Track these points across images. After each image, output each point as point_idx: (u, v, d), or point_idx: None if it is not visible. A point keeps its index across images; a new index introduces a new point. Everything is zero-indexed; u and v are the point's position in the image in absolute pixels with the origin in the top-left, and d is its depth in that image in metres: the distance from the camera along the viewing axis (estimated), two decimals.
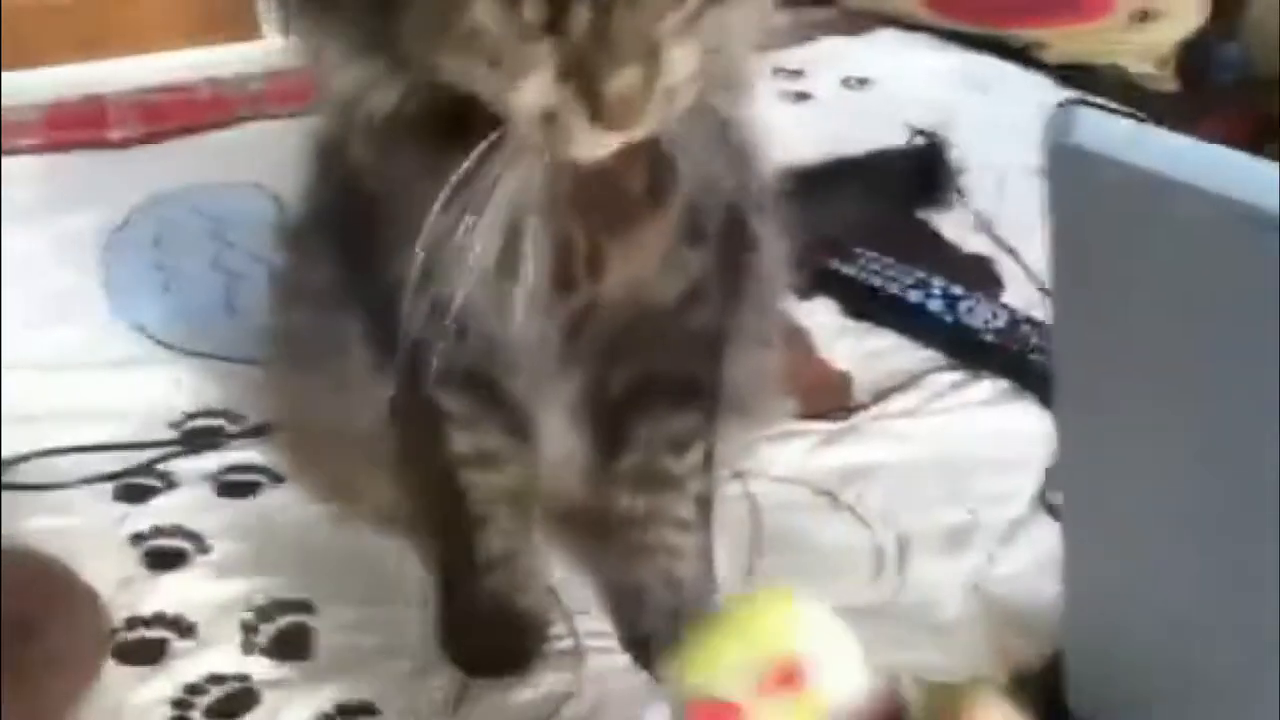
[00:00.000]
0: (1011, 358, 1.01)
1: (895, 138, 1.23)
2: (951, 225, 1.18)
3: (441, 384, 0.76)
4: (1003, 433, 0.95)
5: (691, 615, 0.77)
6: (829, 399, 0.98)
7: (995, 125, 1.25)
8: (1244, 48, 1.34)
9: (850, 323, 1.07)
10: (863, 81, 1.44)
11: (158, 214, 1.19)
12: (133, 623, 0.81)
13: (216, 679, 0.78)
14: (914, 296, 1.07)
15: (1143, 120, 1.26)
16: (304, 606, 0.82)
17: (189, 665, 0.78)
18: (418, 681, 0.78)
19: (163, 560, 0.85)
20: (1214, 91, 1.32)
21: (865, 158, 1.19)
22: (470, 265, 0.65)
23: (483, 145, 0.60)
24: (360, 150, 0.66)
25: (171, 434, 0.95)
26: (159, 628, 0.81)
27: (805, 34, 1.48)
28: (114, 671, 0.77)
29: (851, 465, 0.93)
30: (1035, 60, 1.42)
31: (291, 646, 0.80)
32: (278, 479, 0.91)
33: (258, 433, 0.94)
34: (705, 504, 0.82)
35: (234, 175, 1.20)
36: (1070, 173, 0.52)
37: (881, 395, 1.00)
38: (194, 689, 0.77)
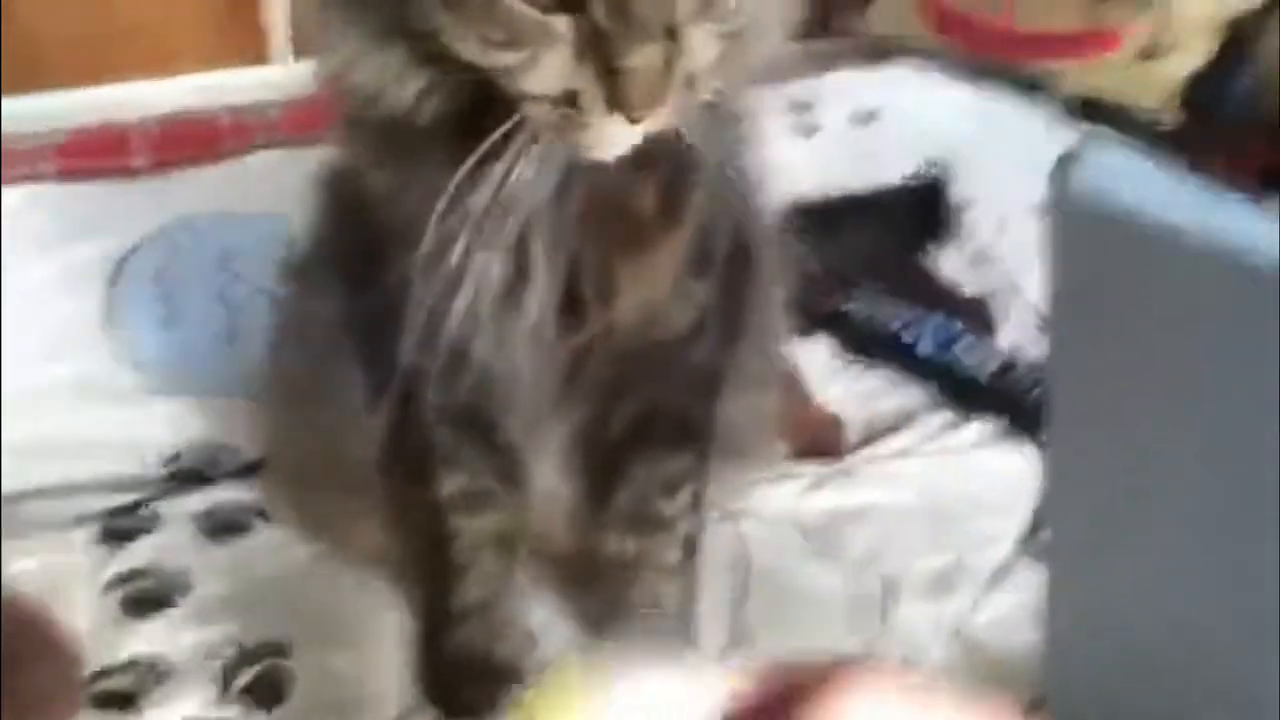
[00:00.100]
0: (1005, 399, 1.01)
1: (901, 172, 1.23)
2: (950, 262, 1.18)
3: (435, 418, 0.76)
4: (992, 475, 0.95)
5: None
6: (821, 443, 0.99)
7: (1002, 160, 1.25)
8: (1252, 85, 1.33)
9: (845, 363, 1.07)
10: (871, 114, 1.44)
11: (167, 244, 1.18)
12: (109, 669, 0.81)
13: None
14: (909, 335, 1.07)
15: (1150, 156, 1.27)
16: (283, 650, 0.82)
17: (163, 713, 0.79)
18: None
19: (143, 604, 0.86)
20: (1221, 129, 1.32)
21: (866, 194, 1.19)
22: (471, 280, 0.64)
23: (492, 137, 0.59)
24: (373, 155, 0.67)
25: (162, 471, 0.95)
26: (135, 674, 0.81)
27: (818, 66, 1.49)
28: (89, 718, 0.78)
29: (841, 508, 0.93)
30: (1045, 94, 1.42)
31: (269, 691, 0.80)
32: (268, 518, 0.91)
33: (249, 470, 0.94)
34: (691, 547, 0.82)
35: (248, 204, 1.21)
36: (1073, 215, 0.51)
37: (874, 435, 1.00)
38: None
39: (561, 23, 0.56)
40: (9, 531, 0.87)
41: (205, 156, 1.33)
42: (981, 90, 1.45)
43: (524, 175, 0.60)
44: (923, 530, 0.91)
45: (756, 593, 0.87)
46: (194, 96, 1.43)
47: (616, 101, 0.56)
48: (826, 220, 1.11)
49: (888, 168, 1.24)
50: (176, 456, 0.96)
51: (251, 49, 1.44)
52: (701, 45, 0.58)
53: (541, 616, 0.85)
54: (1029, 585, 0.83)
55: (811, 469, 0.97)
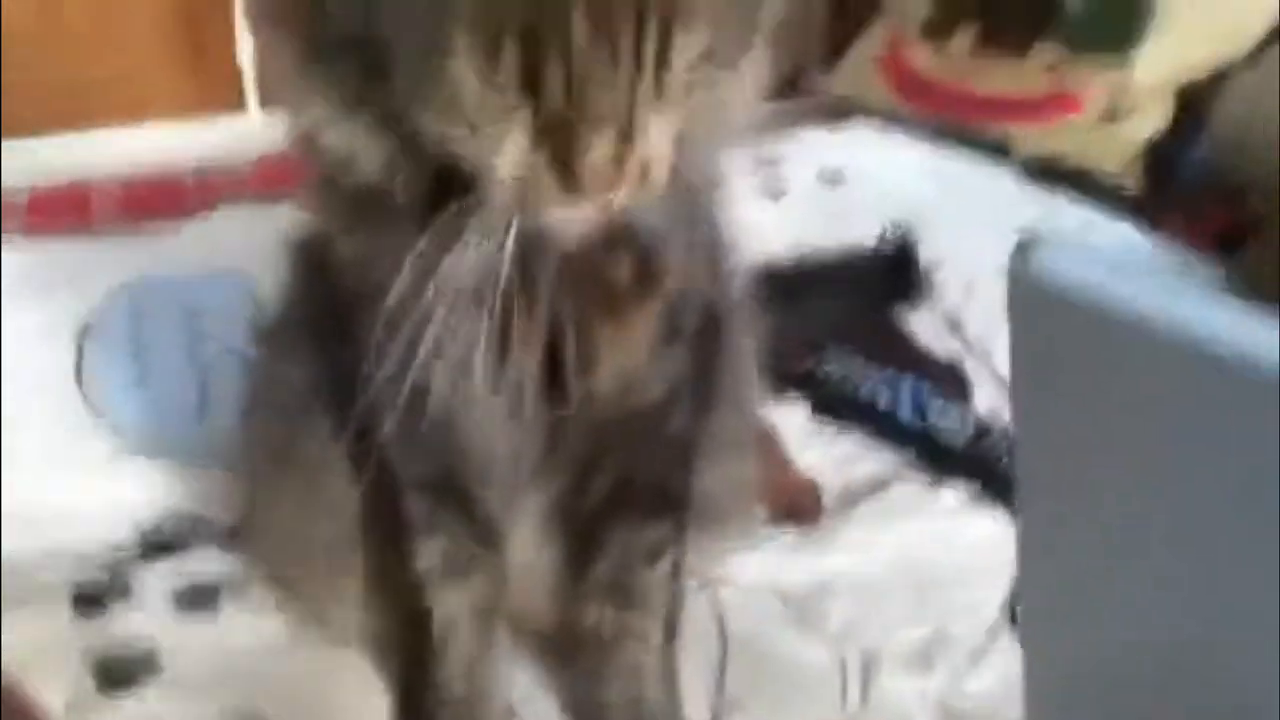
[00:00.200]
0: (980, 465, 1.02)
1: (869, 233, 1.24)
2: (922, 325, 1.19)
3: (411, 490, 0.76)
4: (970, 542, 0.96)
5: None
6: (799, 508, 0.99)
7: (965, 222, 1.26)
8: (1208, 151, 1.36)
9: (820, 425, 1.08)
10: (837, 174, 1.46)
11: (134, 305, 1.17)
12: None
13: None
14: (884, 399, 1.08)
15: (1112, 221, 1.29)
16: None
17: None
18: None
19: (116, 678, 0.84)
20: (1179, 195, 1.34)
21: (836, 256, 1.21)
22: (444, 352, 0.64)
23: (451, 209, 0.60)
24: (343, 221, 0.67)
25: (138, 541, 0.94)
26: None
27: (784, 123, 1.50)
28: None
29: (819, 576, 0.93)
30: (1006, 157, 1.44)
31: None
32: (241, 590, 0.90)
33: (226, 540, 0.93)
34: (672, 619, 0.82)
35: (214, 263, 1.20)
36: (1032, 299, 0.52)
37: (850, 501, 1.01)
38: None
39: (519, 109, 0.57)
40: None
41: (171, 212, 1.32)
42: (943, 152, 1.47)
43: (493, 247, 0.61)
44: (903, 599, 0.91)
45: (736, 662, 0.86)
46: (162, 149, 1.42)
47: (569, 186, 0.58)
48: (798, 283, 1.13)
49: (854, 228, 1.25)
50: (150, 525, 0.95)
51: (225, 95, 1.43)
52: (658, 133, 0.59)
53: (523, 689, 0.84)
54: (1014, 655, 0.83)
55: (789, 535, 0.97)
